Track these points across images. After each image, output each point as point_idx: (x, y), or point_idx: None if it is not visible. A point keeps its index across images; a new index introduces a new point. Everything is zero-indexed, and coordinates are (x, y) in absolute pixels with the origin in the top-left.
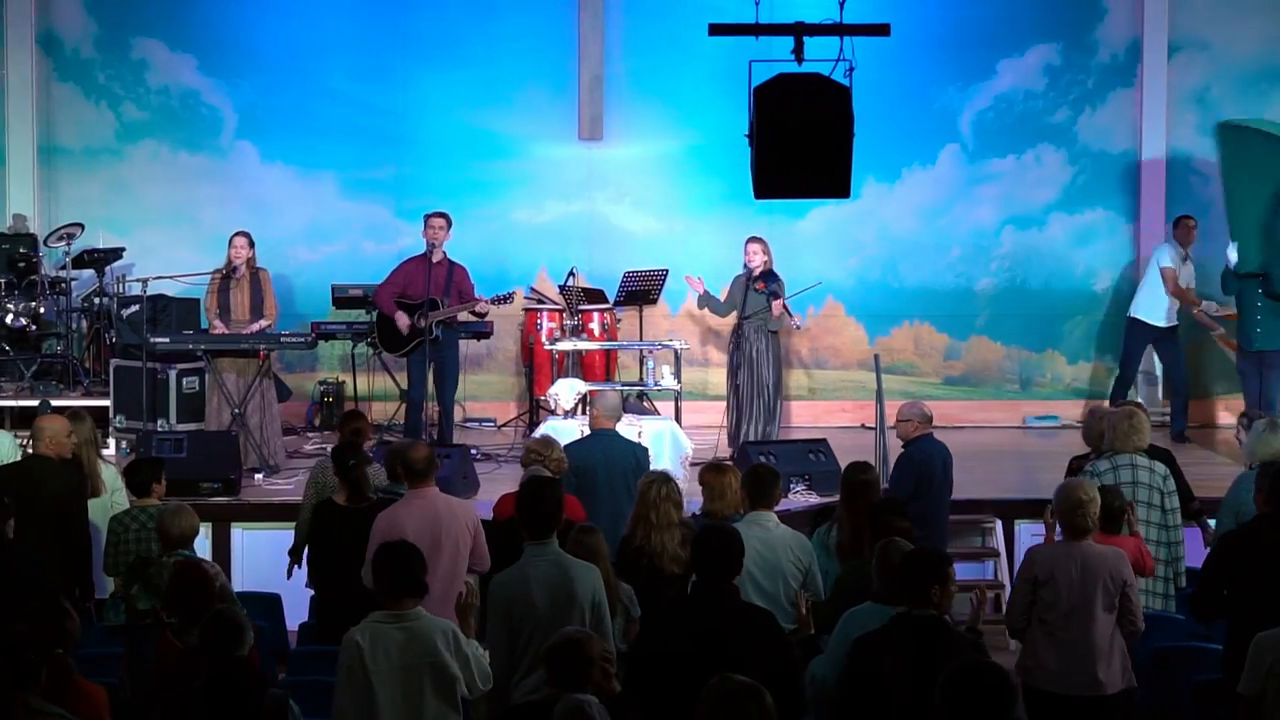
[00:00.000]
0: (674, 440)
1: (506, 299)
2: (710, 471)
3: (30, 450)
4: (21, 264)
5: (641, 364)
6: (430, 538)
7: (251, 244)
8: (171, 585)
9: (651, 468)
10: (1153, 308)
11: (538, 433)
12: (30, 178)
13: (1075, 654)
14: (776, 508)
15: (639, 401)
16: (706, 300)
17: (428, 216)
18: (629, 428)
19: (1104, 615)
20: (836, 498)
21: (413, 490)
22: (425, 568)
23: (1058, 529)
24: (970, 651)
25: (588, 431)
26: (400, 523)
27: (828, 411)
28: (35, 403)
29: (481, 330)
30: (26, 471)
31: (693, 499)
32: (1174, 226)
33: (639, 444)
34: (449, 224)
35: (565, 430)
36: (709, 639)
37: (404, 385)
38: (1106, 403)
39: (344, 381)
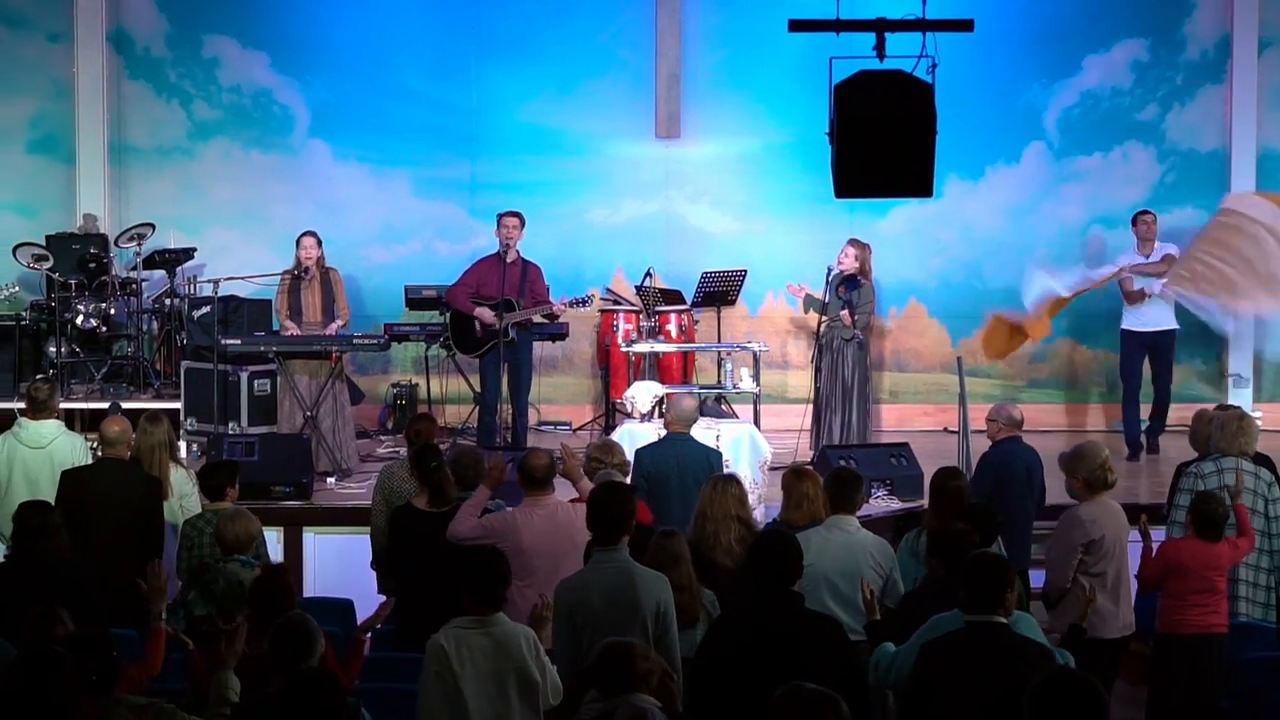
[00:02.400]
0: (752, 444)
1: (582, 303)
2: (789, 476)
3: (101, 453)
4: (92, 265)
5: (719, 366)
6: (549, 548)
7: (320, 243)
8: (254, 591)
9: (729, 472)
10: (1134, 314)
11: (613, 437)
12: (101, 177)
13: (1123, 598)
14: (858, 513)
15: (717, 405)
16: (810, 302)
17: (501, 216)
18: (706, 431)
19: (1126, 563)
20: (918, 503)
21: (532, 498)
22: (509, 580)
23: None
24: (1042, 660)
25: (664, 434)
26: (517, 528)
27: (910, 415)
28: (105, 405)
29: (557, 332)
30: (99, 475)
31: (773, 504)
32: (1133, 223)
33: (713, 448)
34: (523, 223)
35: (642, 434)
36: (770, 646)
37: (478, 388)
38: (1211, 407)
39: (417, 384)
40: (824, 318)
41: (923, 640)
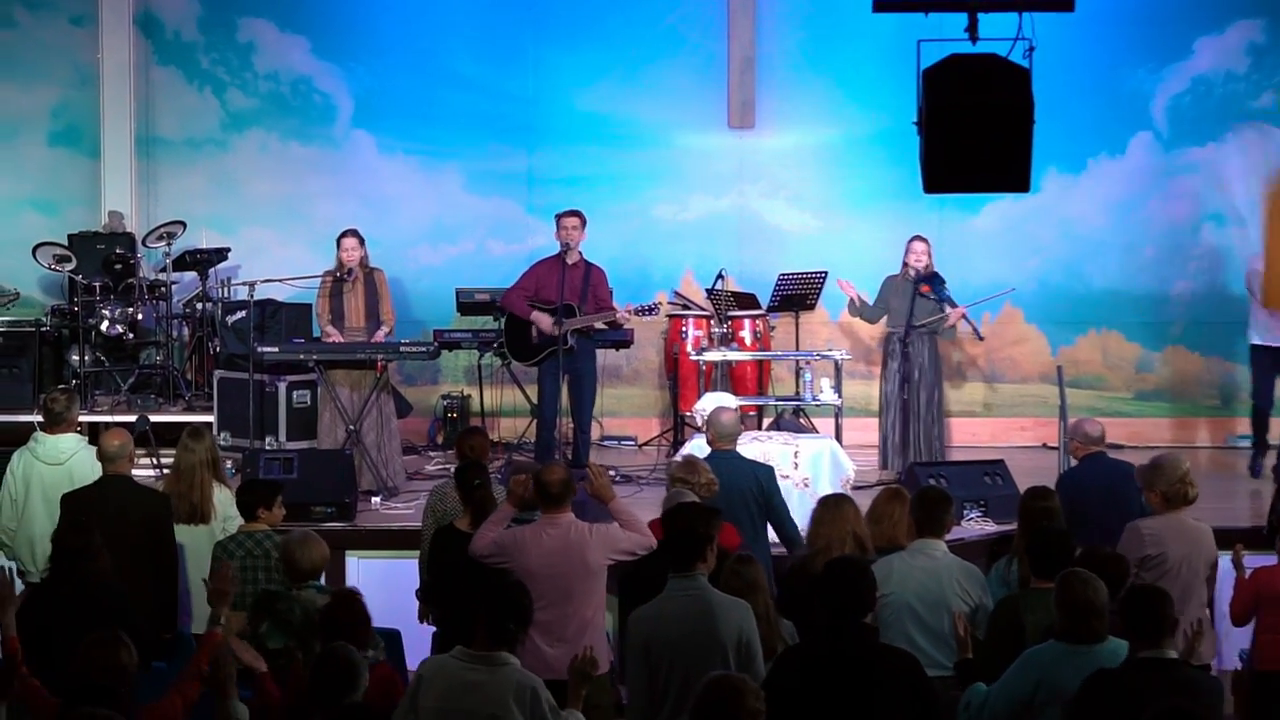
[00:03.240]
0: (834, 461)
1: (649, 310)
2: (884, 497)
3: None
4: (118, 266)
5: (798, 377)
6: (558, 575)
7: (363, 243)
8: (326, 619)
9: (812, 491)
10: (1264, 327)
11: (682, 452)
12: (127, 172)
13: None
14: (947, 536)
15: (795, 418)
16: (859, 306)
17: (560, 216)
18: (784, 448)
19: (1201, 589)
20: (1014, 526)
21: (546, 515)
22: (529, 618)
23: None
24: (1218, 695)
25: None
26: (525, 547)
27: (1005, 430)
28: (133, 418)
29: (621, 339)
30: (102, 495)
31: None
32: None
33: (761, 464)
34: (583, 223)
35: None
36: (838, 683)
37: (535, 400)
38: None
39: (469, 396)
40: (911, 327)
41: (1027, 677)
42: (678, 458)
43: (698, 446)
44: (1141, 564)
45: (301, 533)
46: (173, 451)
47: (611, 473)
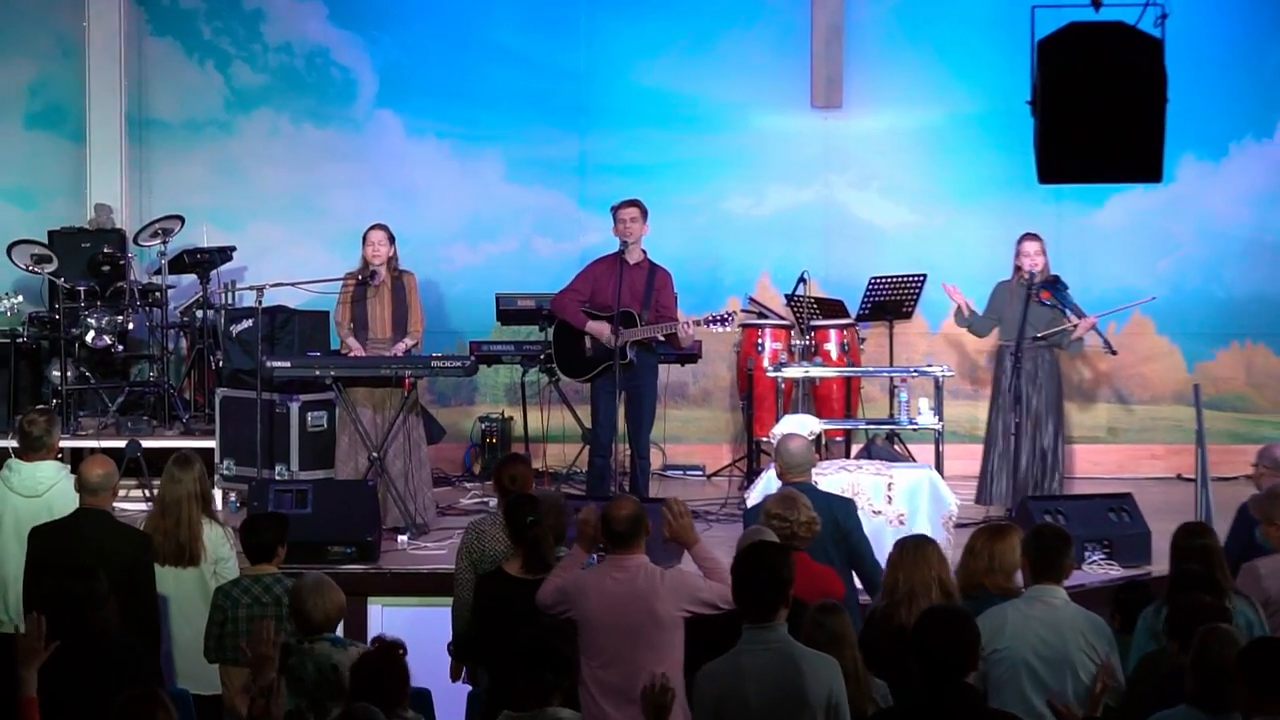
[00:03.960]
0: (934, 495)
1: (721, 321)
2: (982, 535)
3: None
4: (105, 267)
5: (892, 396)
6: (623, 626)
7: (392, 240)
8: (361, 674)
9: (908, 529)
10: None
11: (760, 486)
12: (117, 159)
13: None
14: (1066, 582)
15: (888, 445)
16: (967, 316)
17: (617, 208)
18: (875, 478)
19: None
20: (1144, 570)
21: (613, 557)
22: (569, 664)
23: None
24: None
25: (819, 481)
26: (586, 592)
27: (1133, 458)
28: (122, 443)
29: (687, 353)
30: (76, 531)
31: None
32: None
33: (838, 497)
34: (644, 214)
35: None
36: None
37: (588, 423)
38: None
39: (511, 418)
40: (1025, 339)
41: None
42: (753, 493)
43: (773, 479)
44: (1265, 608)
45: (315, 577)
46: None
47: None
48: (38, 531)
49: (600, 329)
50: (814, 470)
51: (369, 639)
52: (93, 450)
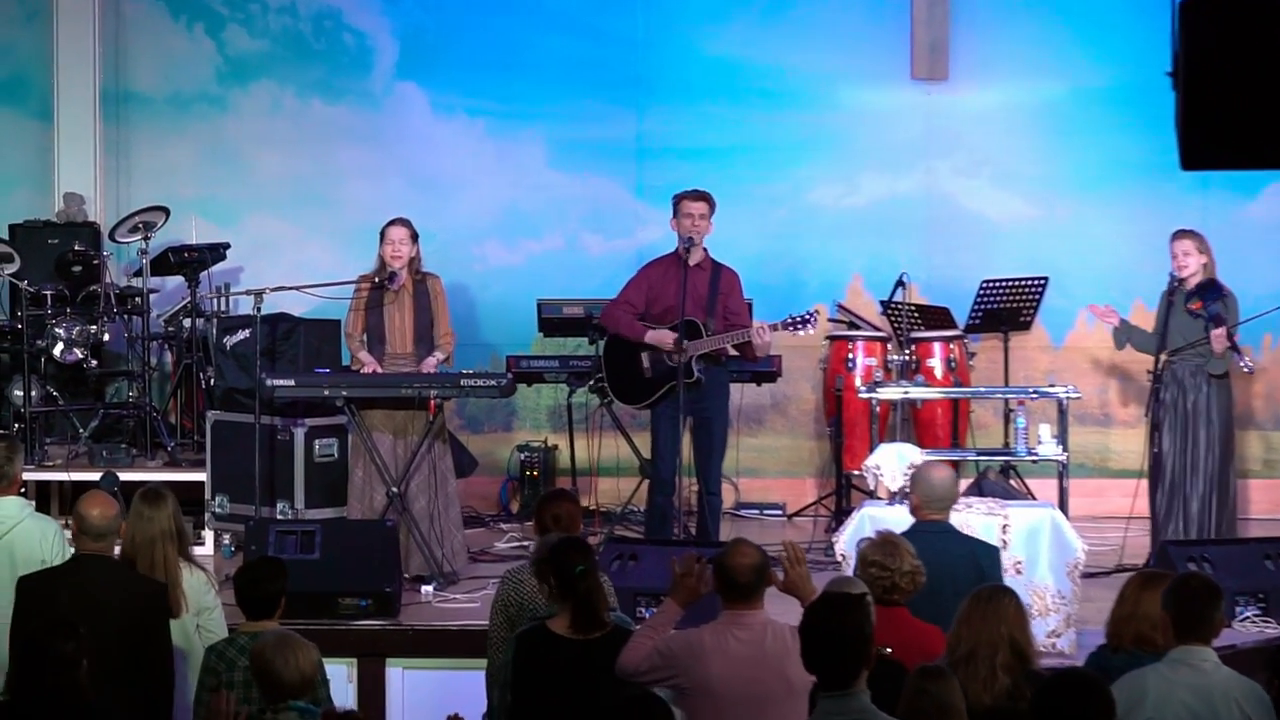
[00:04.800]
0: (1056, 538)
1: (802, 322)
2: (1135, 583)
3: (78, 548)
4: (76, 268)
5: (1007, 422)
6: (751, 695)
7: (415, 237)
8: None
9: (1026, 579)
10: None
11: (850, 528)
12: (90, 140)
13: None
14: (1215, 641)
15: (1004, 479)
16: (1126, 332)
17: (680, 199)
18: (989, 518)
19: None
20: None
21: (731, 612)
22: None
23: None
24: None
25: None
26: (705, 656)
27: None
28: (95, 476)
29: (764, 370)
30: (76, 582)
31: (1088, 628)
32: None
33: (983, 542)
34: (712, 209)
35: (888, 521)
36: None
37: (646, 453)
38: None
39: (555, 447)
40: (1171, 354)
41: None
42: (842, 536)
43: (866, 518)
44: None
45: (277, 633)
46: None
47: None
48: (29, 583)
49: (662, 337)
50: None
51: (358, 707)
52: (68, 484)
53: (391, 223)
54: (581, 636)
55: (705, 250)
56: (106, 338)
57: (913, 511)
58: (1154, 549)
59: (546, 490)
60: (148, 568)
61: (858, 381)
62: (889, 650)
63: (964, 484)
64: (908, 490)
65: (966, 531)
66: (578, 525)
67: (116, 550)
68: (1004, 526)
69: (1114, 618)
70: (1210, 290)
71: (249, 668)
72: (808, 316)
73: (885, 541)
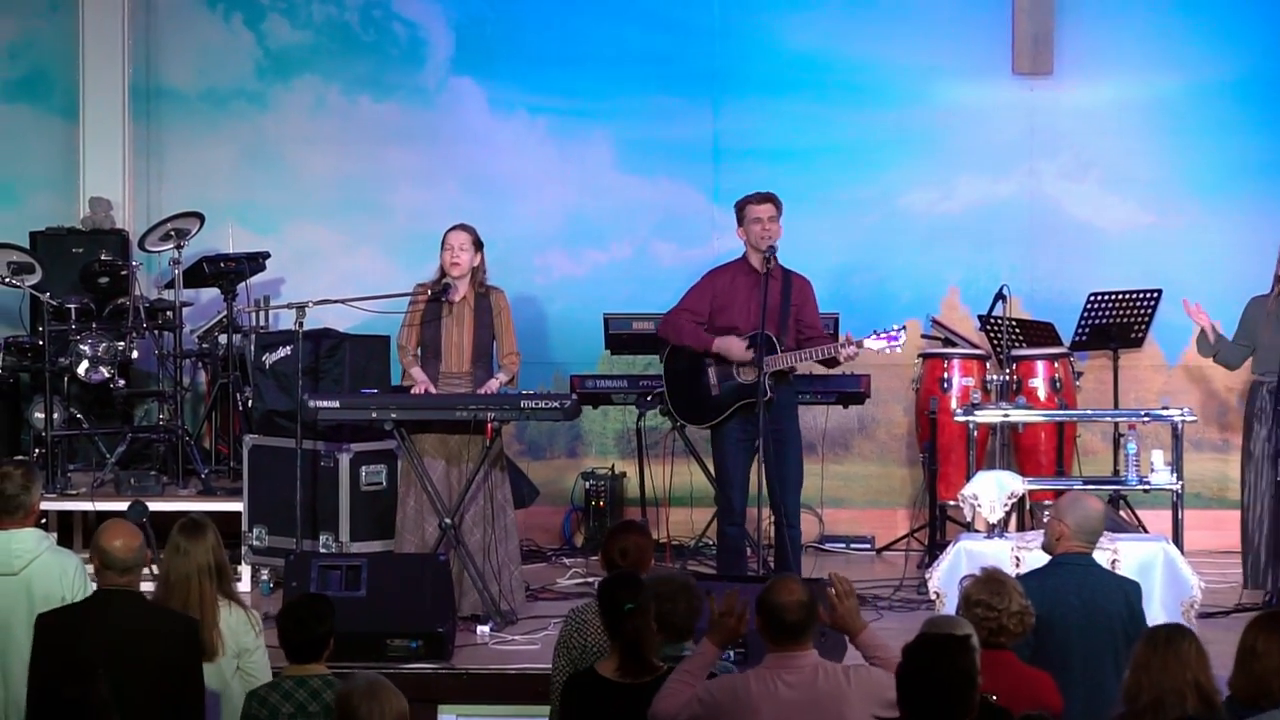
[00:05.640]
0: (1171, 574)
1: (889, 338)
2: (1255, 629)
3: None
4: (103, 280)
5: (1117, 447)
6: None
7: (479, 245)
8: None
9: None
10: None
11: (945, 563)
12: (118, 140)
13: None
14: None
15: (1112, 510)
16: (1213, 341)
17: (746, 203)
18: (1098, 553)
19: None
20: None
21: (777, 654)
22: None
23: None
24: None
25: (1024, 558)
26: (753, 702)
27: None
28: (123, 505)
29: (850, 390)
30: (99, 621)
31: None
32: None
33: (1130, 579)
34: (779, 210)
35: (987, 556)
36: None
37: (718, 480)
38: None
39: (624, 474)
40: (1261, 375)
41: None
42: (936, 572)
43: (963, 552)
44: None
45: (368, 679)
46: None
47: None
48: (51, 620)
49: (731, 346)
50: (1014, 546)
51: None
52: (94, 514)
53: (453, 228)
54: (631, 680)
55: (777, 259)
56: (135, 355)
57: (1053, 543)
58: (1273, 588)
59: (614, 522)
60: (182, 605)
61: (953, 403)
62: (995, 697)
63: None
64: (1019, 522)
65: None
66: (648, 560)
67: (146, 586)
68: (1113, 562)
69: (1237, 669)
70: None
71: (296, 713)
72: (896, 332)
73: (991, 579)
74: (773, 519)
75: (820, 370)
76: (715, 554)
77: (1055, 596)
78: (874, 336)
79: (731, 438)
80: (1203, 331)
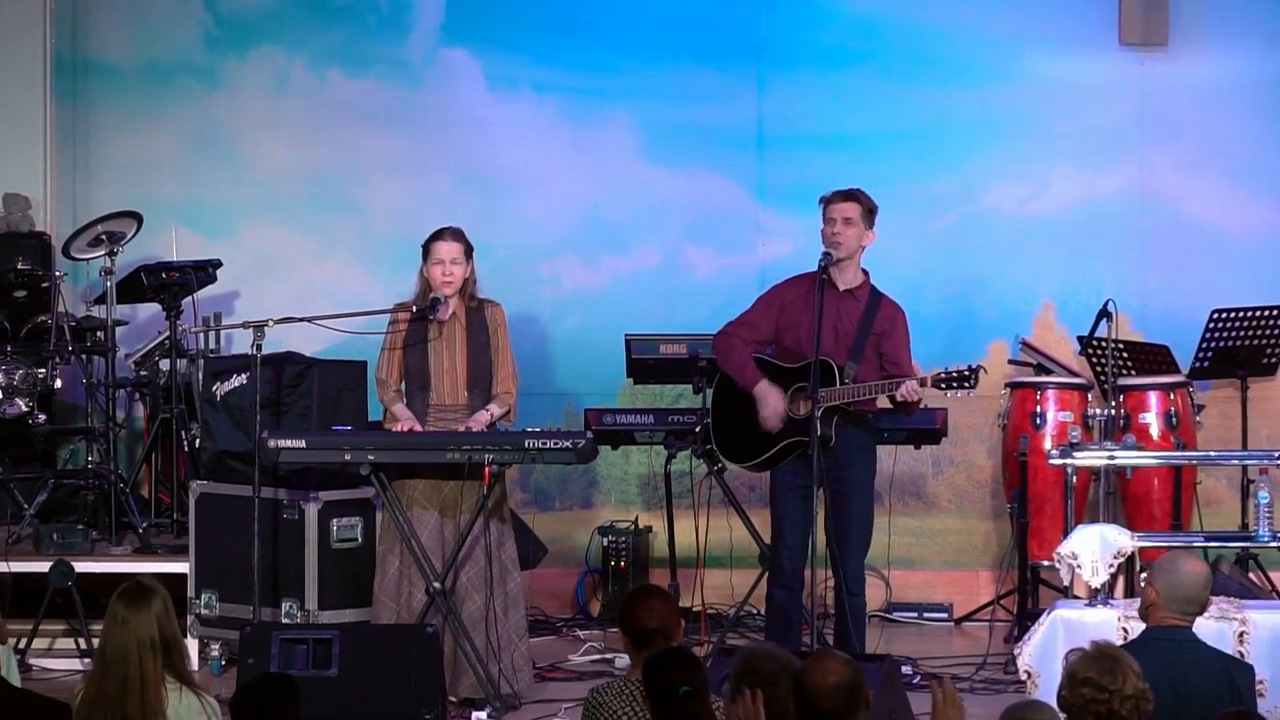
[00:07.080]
0: None
1: (958, 381)
2: None
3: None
4: (18, 293)
5: (1245, 496)
6: None
7: (469, 253)
8: None
9: (1269, 702)
10: None
11: (1038, 636)
12: (38, 124)
13: None
14: None
15: (1239, 571)
16: None
17: (830, 200)
18: (1220, 623)
19: None
20: None
21: None
22: None
23: None
24: None
25: (1133, 629)
26: None
27: None
28: (44, 566)
29: (924, 428)
30: None
31: None
32: None
33: (1237, 659)
34: (869, 216)
35: (1087, 626)
36: None
37: (767, 537)
38: None
39: (649, 528)
40: None
41: None
42: (1026, 647)
43: (1060, 621)
44: None
45: None
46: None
47: (908, 670)
48: None
49: (770, 396)
50: (1121, 616)
51: None
52: (14, 578)
53: (438, 235)
54: None
55: (865, 273)
56: (58, 385)
57: (1145, 611)
58: None
59: (635, 586)
60: (118, 687)
61: (1048, 443)
62: None
63: None
64: (1126, 586)
65: None
66: (678, 631)
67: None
68: (1240, 634)
69: None
70: None
71: None
72: (968, 373)
73: (1104, 655)
74: (831, 583)
75: (885, 402)
76: (762, 623)
77: (1147, 675)
78: (940, 376)
79: (786, 485)
80: None
